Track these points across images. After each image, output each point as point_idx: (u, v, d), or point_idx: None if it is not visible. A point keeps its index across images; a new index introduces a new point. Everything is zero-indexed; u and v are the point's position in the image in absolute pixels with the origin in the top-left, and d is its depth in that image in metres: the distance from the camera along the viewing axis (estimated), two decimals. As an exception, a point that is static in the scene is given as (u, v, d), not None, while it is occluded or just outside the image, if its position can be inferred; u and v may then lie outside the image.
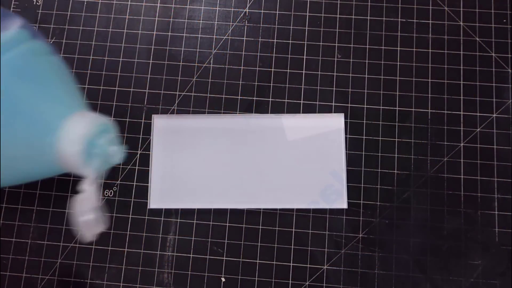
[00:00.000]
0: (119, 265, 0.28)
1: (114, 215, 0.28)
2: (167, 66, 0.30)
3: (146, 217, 0.28)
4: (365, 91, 0.29)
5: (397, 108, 0.29)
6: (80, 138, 0.15)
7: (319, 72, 0.30)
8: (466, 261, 0.27)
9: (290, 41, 0.30)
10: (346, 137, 0.29)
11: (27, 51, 0.16)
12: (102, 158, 0.16)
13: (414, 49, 0.30)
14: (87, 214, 0.16)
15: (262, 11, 0.31)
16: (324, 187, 0.28)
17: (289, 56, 0.30)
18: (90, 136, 0.16)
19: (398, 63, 0.30)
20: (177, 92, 0.30)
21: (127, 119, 0.29)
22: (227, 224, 0.28)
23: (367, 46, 0.30)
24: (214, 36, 0.31)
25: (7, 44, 0.15)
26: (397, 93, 0.29)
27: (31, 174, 0.17)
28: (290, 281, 0.27)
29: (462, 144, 0.28)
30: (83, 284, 0.28)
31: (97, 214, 0.16)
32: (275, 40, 0.30)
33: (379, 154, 0.28)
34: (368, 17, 0.30)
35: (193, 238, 0.28)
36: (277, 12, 0.31)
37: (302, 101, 0.29)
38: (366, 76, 0.30)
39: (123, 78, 0.30)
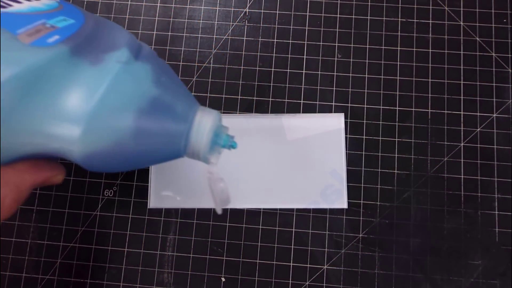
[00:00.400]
0: (119, 265, 0.28)
1: (114, 215, 0.28)
2: (167, 66, 0.30)
3: (146, 217, 0.28)
4: (365, 91, 0.29)
5: (397, 108, 0.29)
6: (209, 131, 0.18)
7: (319, 72, 0.30)
8: (466, 261, 0.27)
9: (290, 41, 0.30)
10: (346, 137, 0.29)
11: (149, 57, 0.18)
12: (223, 146, 0.19)
13: (414, 49, 0.30)
14: (219, 191, 0.19)
15: (262, 11, 0.31)
16: (324, 187, 0.28)
17: (289, 56, 0.30)
18: (215, 128, 0.18)
19: (398, 63, 0.30)
20: (177, 92, 0.30)
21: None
22: (227, 224, 0.28)
23: (367, 46, 0.30)
24: (214, 36, 0.31)
25: (129, 58, 0.17)
26: (397, 93, 0.29)
27: (160, 159, 0.19)
28: (290, 281, 0.27)
29: (462, 144, 0.28)
30: (83, 284, 0.28)
31: (226, 190, 0.19)
32: (275, 40, 0.30)
33: (379, 154, 0.28)
34: (368, 17, 0.30)
35: (193, 238, 0.28)
36: (277, 12, 0.31)
37: (302, 101, 0.29)
38: (366, 76, 0.30)
39: (123, 78, 0.30)
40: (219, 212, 0.20)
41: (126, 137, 0.16)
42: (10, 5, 0.16)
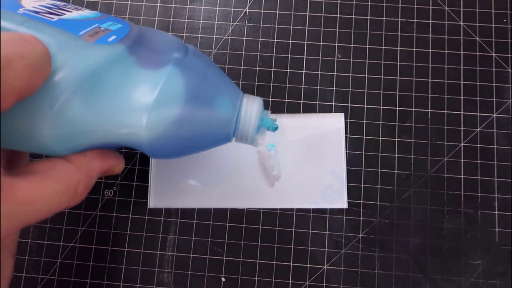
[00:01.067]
0: (119, 265, 0.28)
1: (114, 215, 0.28)
2: (167, 66, 0.30)
3: (146, 217, 0.28)
4: (365, 91, 0.29)
5: (397, 108, 0.29)
6: (256, 115, 0.20)
7: (319, 72, 0.30)
8: (466, 261, 0.27)
9: (290, 41, 0.30)
10: (346, 137, 0.29)
11: (194, 55, 0.20)
12: (267, 129, 0.21)
13: (414, 49, 0.30)
14: (270, 167, 0.21)
15: (262, 10, 0.31)
16: (324, 187, 0.28)
17: (289, 56, 0.30)
18: (261, 113, 0.20)
19: (398, 63, 0.30)
20: (177, 92, 0.30)
21: (127, 119, 0.29)
22: (227, 224, 0.28)
23: (367, 46, 0.30)
24: (214, 36, 0.31)
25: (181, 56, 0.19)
26: (397, 93, 0.29)
27: (213, 143, 0.21)
28: (290, 281, 0.27)
29: (462, 144, 0.28)
30: (83, 284, 0.28)
31: (277, 165, 0.22)
32: (275, 40, 0.30)
33: (379, 154, 0.28)
34: (368, 17, 0.30)
35: (193, 238, 0.28)
36: (277, 12, 0.31)
37: (302, 101, 0.29)
38: (366, 76, 0.30)
39: (123, 78, 0.30)
40: (271, 186, 0.23)
41: (182, 124, 0.18)
42: (64, 13, 0.18)
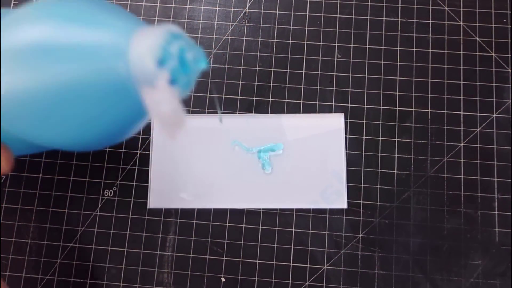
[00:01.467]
0: (119, 265, 0.28)
1: (114, 215, 0.28)
2: (167, 66, 0.30)
3: (146, 217, 0.28)
4: (365, 91, 0.29)
5: (397, 108, 0.29)
6: (151, 51, 0.13)
7: (319, 72, 0.30)
8: (466, 261, 0.27)
9: (290, 41, 0.30)
10: (346, 137, 0.29)
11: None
12: (183, 68, 0.14)
13: (414, 49, 0.30)
14: (166, 109, 0.14)
15: (262, 11, 0.31)
16: (324, 187, 0.28)
17: (289, 56, 0.30)
18: (161, 46, 0.14)
19: (398, 63, 0.30)
20: (177, 92, 0.30)
21: (127, 119, 0.29)
22: (227, 224, 0.28)
23: (367, 46, 0.30)
24: (214, 36, 0.31)
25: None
26: (397, 93, 0.29)
27: (114, 121, 0.15)
28: (290, 281, 0.27)
29: (462, 144, 0.28)
30: (83, 284, 0.28)
31: (176, 107, 0.14)
32: (275, 40, 0.30)
33: (379, 154, 0.28)
34: (368, 17, 0.30)
35: (193, 238, 0.28)
36: (277, 12, 0.31)
37: (302, 101, 0.29)
38: (366, 76, 0.30)
39: (123, 78, 0.30)
40: (172, 138, 0.15)
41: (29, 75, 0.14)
42: None
